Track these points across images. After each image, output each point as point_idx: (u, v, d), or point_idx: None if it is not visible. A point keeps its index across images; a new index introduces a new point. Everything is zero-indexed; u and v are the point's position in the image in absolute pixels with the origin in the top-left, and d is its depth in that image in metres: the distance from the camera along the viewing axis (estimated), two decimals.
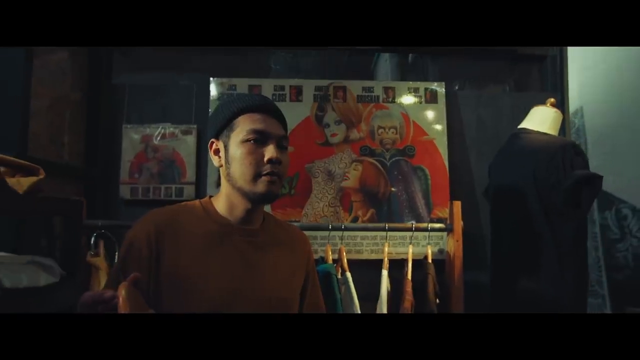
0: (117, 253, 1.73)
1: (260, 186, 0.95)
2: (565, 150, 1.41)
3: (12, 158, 0.91)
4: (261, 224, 1.04)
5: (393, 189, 2.05)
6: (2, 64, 1.45)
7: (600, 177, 1.37)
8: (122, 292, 0.70)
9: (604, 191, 1.84)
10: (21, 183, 0.90)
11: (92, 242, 1.66)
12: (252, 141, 0.95)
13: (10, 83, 1.46)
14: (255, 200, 0.98)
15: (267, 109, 0.99)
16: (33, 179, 0.93)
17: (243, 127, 0.96)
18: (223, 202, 1.00)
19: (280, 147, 0.98)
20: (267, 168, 0.94)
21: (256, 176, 0.95)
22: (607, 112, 1.88)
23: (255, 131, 0.95)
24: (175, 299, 0.90)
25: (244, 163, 0.95)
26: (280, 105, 1.96)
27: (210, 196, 1.05)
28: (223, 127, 0.99)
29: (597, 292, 1.98)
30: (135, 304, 0.71)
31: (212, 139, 1.02)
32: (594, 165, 1.91)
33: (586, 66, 2.06)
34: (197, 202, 1.04)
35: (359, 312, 1.60)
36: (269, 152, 0.95)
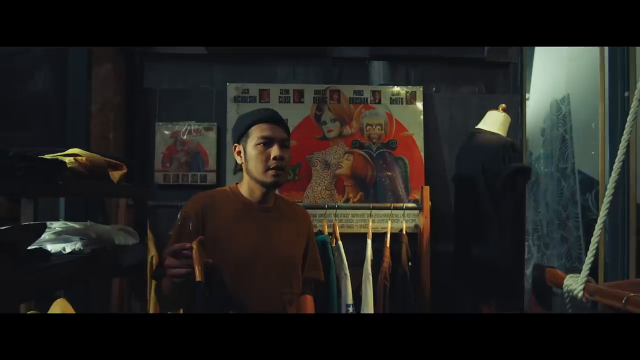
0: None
1: (269, 177, 1.33)
2: (505, 148, 1.83)
3: (108, 158, 1.34)
4: (274, 203, 1.42)
5: (389, 173, 2.47)
6: (72, 79, 1.87)
7: (529, 169, 1.80)
8: (194, 246, 1.10)
9: (586, 175, 2.00)
10: (114, 176, 1.33)
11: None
12: (261, 144, 1.32)
13: (78, 93, 1.88)
14: (267, 187, 1.36)
15: (272, 119, 1.34)
16: (120, 172, 1.36)
17: (255, 134, 1.33)
18: (245, 188, 1.39)
19: (283, 146, 1.32)
20: (273, 163, 1.31)
21: (266, 170, 1.32)
22: (591, 100, 1.97)
23: (263, 137, 1.31)
24: (214, 255, 1.29)
25: (256, 161, 1.32)
26: (285, 106, 2.43)
27: (237, 183, 1.44)
28: (242, 135, 1.37)
29: (577, 268, 2.07)
30: (201, 255, 1.12)
31: (235, 144, 1.41)
32: (578, 150, 2.05)
33: (573, 57, 2.18)
34: (227, 187, 1.44)
35: (348, 272, 2.06)
36: (274, 151, 1.31)
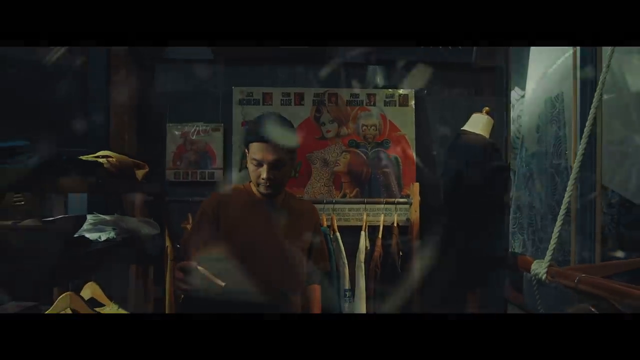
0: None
1: (262, 189, 1.49)
2: (487, 148, 2.02)
3: (132, 159, 1.53)
4: (283, 199, 1.59)
5: (387, 170, 2.65)
6: (93, 84, 2.05)
7: (507, 166, 1.99)
8: (197, 267, 1.21)
9: None
10: (139, 174, 1.52)
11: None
12: (253, 164, 1.47)
13: (99, 97, 2.07)
14: (261, 195, 1.52)
15: (266, 140, 1.43)
16: (143, 171, 1.55)
17: (251, 153, 1.46)
18: (255, 187, 1.59)
19: (273, 167, 1.43)
20: (261, 182, 1.47)
21: (257, 184, 1.49)
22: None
23: (254, 159, 1.45)
24: (228, 242, 1.47)
25: (251, 175, 1.50)
26: (286, 108, 2.62)
27: (250, 181, 1.59)
28: (246, 146, 1.52)
29: (570, 261, 2.09)
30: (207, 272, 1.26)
31: (245, 149, 1.56)
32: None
33: (567, 56, 2.16)
34: (241, 185, 1.62)
35: (345, 260, 2.26)
36: (263, 173, 1.44)
